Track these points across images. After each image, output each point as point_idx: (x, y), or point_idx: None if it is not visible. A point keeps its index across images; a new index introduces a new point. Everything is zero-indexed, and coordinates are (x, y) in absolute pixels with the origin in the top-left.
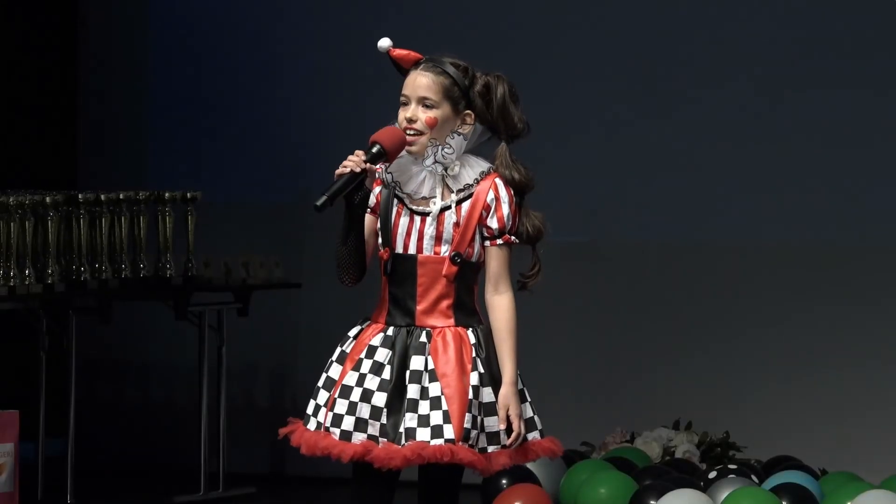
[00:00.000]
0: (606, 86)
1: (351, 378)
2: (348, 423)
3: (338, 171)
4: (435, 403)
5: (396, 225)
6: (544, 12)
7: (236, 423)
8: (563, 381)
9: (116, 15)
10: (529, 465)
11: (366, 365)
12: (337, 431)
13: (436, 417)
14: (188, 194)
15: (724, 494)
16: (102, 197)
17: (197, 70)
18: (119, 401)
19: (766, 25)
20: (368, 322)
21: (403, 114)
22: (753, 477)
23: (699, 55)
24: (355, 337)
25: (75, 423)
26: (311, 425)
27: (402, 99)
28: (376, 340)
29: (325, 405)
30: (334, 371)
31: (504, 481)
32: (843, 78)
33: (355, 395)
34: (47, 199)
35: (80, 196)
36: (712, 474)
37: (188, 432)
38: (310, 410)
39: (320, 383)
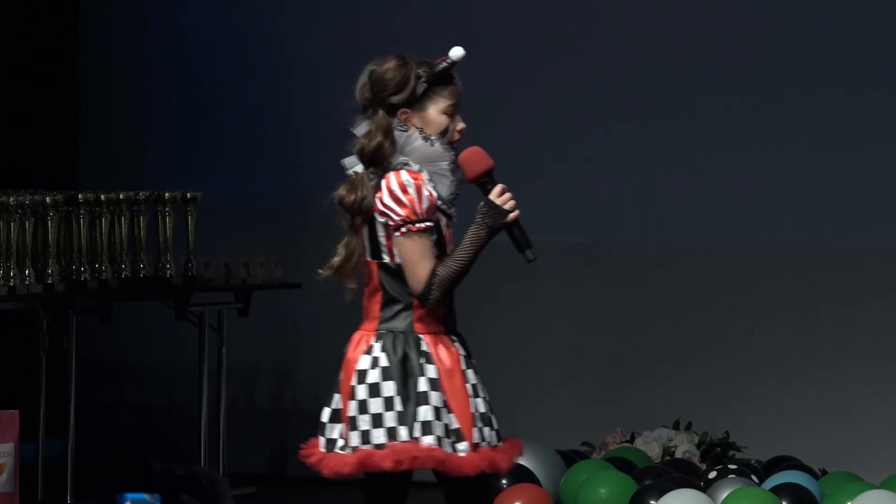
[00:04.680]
0: (607, 89)
1: (476, 401)
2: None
3: (515, 215)
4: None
5: (448, 234)
6: (547, 14)
7: (236, 424)
8: (563, 381)
9: (117, 16)
10: (529, 465)
11: (470, 376)
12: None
13: None
14: (188, 194)
15: (724, 494)
16: (102, 197)
17: (197, 71)
18: (119, 401)
19: (764, 29)
20: (428, 333)
21: (459, 123)
22: (753, 477)
23: (701, 58)
24: (429, 355)
25: (75, 423)
26: (466, 446)
27: (453, 108)
28: (459, 350)
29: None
30: (437, 398)
31: (504, 481)
32: (844, 79)
33: (482, 406)
34: (47, 199)
35: (80, 196)
36: (712, 474)
37: (188, 432)
38: (479, 436)
39: (437, 404)
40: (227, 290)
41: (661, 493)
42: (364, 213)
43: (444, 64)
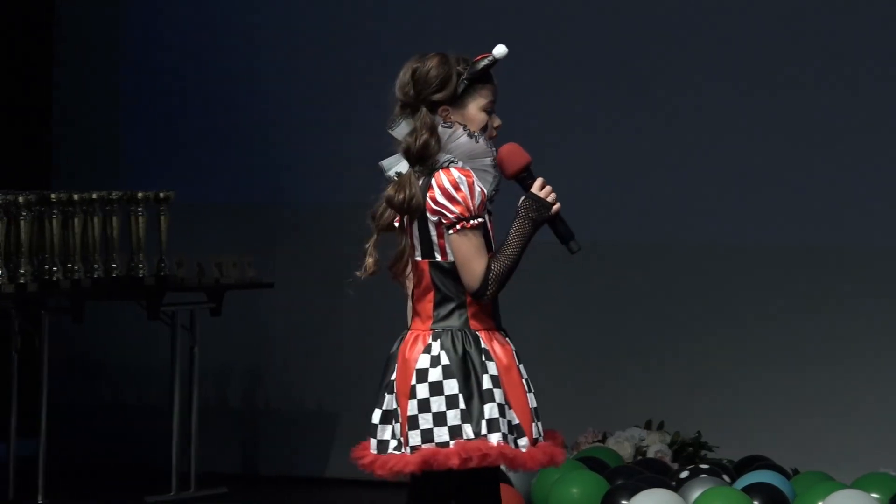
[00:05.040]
0: (597, 90)
1: (531, 396)
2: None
3: (558, 207)
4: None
5: (491, 230)
6: (542, 13)
7: (209, 423)
8: (534, 380)
9: (91, 15)
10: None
11: (523, 371)
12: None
13: None
14: (161, 194)
15: (695, 494)
16: (75, 197)
17: (171, 71)
18: (91, 401)
19: (760, 27)
20: (482, 329)
21: (496, 120)
22: (725, 477)
23: (692, 60)
24: (487, 352)
25: (47, 422)
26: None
27: (492, 105)
28: (511, 345)
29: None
30: (500, 395)
31: None
32: (836, 77)
33: (534, 401)
34: (20, 199)
35: (52, 196)
36: (684, 474)
37: (160, 432)
38: (535, 434)
39: (500, 401)
40: (199, 290)
41: (632, 493)
42: (413, 212)
43: (486, 61)
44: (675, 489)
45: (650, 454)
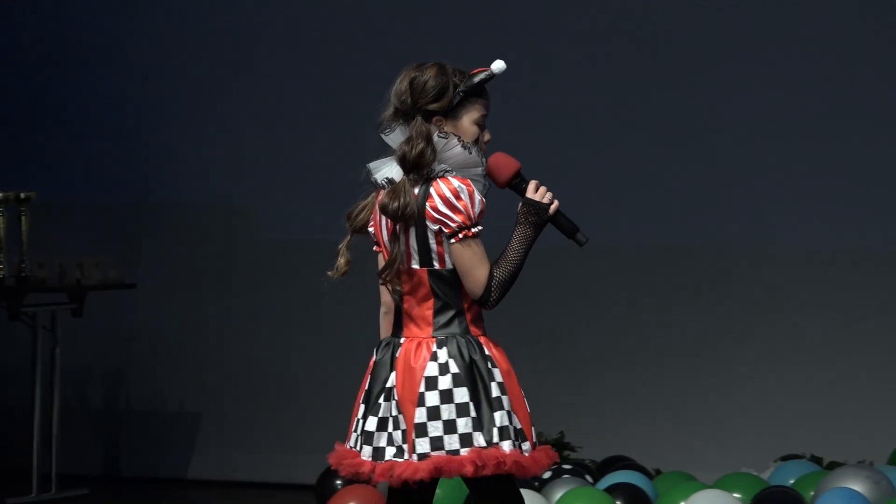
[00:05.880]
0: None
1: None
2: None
3: (556, 206)
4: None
5: None
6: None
7: (69, 424)
8: None
9: None
10: None
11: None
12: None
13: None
14: (22, 195)
15: (558, 494)
16: None
17: (32, 69)
18: None
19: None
20: (480, 336)
21: (486, 134)
22: (588, 477)
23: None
24: (491, 358)
25: None
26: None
27: (484, 119)
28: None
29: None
30: (507, 402)
31: (338, 482)
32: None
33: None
34: None
35: None
36: (547, 474)
37: (21, 433)
38: (535, 439)
39: (508, 408)
40: (61, 291)
41: None
42: (407, 220)
43: (483, 76)
44: (538, 489)
45: None
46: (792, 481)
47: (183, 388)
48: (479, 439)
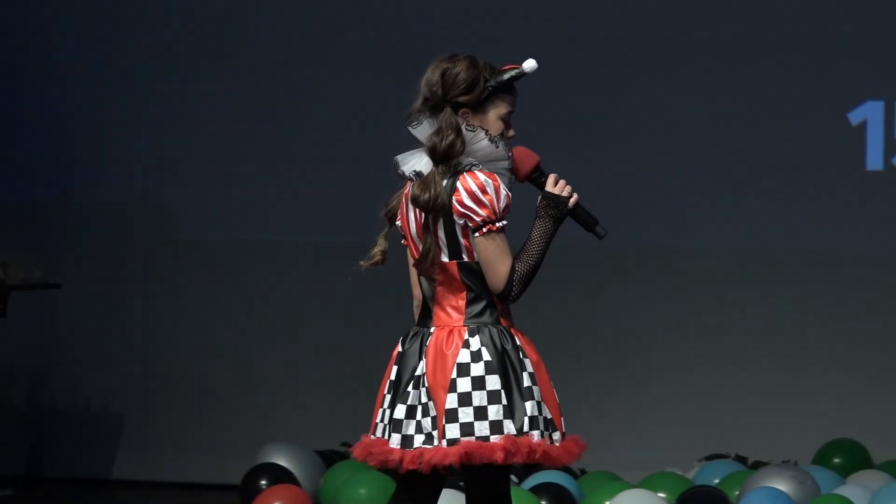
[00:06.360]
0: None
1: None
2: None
3: (575, 199)
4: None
5: None
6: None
7: None
8: (318, 381)
9: None
10: (288, 466)
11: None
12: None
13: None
14: None
15: None
16: None
17: None
18: None
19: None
20: (509, 327)
21: (510, 131)
22: (513, 477)
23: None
24: (521, 348)
25: None
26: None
27: (510, 115)
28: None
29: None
30: (538, 392)
31: (263, 482)
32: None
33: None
34: None
35: None
36: None
37: None
38: (564, 428)
39: (538, 398)
40: None
41: None
42: (437, 211)
43: (514, 73)
44: (464, 490)
45: None
46: (717, 481)
47: (107, 389)
48: (510, 427)
